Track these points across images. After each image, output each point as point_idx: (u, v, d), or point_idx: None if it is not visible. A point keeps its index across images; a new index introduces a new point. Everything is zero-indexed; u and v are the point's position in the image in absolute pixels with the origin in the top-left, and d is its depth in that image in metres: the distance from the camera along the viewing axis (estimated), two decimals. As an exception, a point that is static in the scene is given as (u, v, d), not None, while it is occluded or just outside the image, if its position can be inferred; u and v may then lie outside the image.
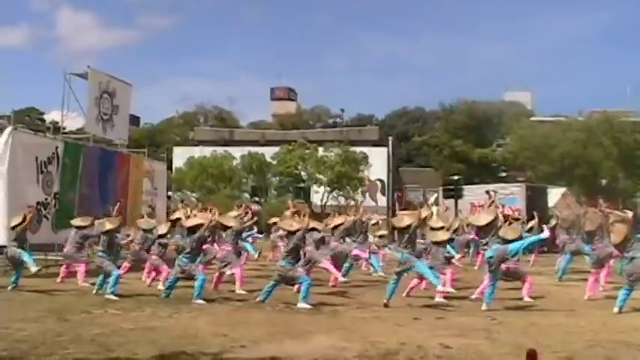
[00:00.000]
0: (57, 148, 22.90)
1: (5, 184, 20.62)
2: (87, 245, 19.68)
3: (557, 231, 23.25)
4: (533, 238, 15.64)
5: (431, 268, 15.82)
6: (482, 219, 15.82)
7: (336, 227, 19.33)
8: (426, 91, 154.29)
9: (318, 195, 57.74)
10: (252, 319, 13.20)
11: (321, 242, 18.43)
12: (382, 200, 66.76)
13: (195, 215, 17.96)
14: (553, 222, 23.95)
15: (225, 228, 18.52)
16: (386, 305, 15.00)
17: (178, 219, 18.78)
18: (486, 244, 15.51)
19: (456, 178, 38.84)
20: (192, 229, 16.16)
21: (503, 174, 60.78)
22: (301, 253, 15.75)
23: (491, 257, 14.88)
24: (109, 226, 16.79)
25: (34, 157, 21.85)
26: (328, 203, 56.15)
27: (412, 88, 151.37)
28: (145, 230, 19.50)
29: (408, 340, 10.98)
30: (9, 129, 21.17)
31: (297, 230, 15.66)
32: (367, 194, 61.41)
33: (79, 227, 19.19)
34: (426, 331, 11.96)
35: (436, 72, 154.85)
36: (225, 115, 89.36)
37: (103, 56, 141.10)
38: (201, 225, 16.31)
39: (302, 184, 59.56)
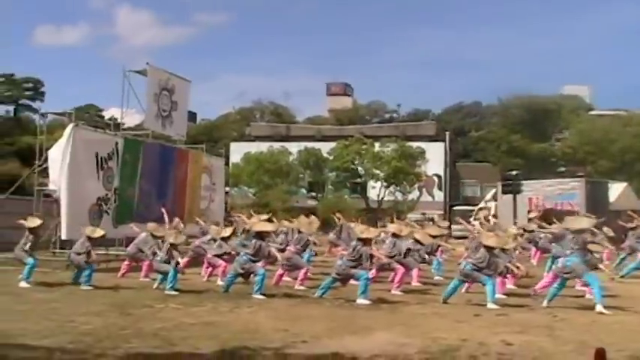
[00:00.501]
0: (117, 144, 23.20)
1: (67, 179, 20.91)
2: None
3: (628, 233, 23.07)
4: (600, 291, 15.01)
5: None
6: (578, 223, 15.44)
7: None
8: (482, 86, 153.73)
9: (375, 190, 57.62)
10: (312, 314, 13.23)
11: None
12: (439, 195, 66.51)
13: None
14: (634, 224, 23.42)
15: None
16: (445, 301, 14.96)
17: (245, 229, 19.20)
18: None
19: (514, 173, 38.34)
20: (260, 235, 16.38)
21: (562, 169, 59.90)
22: (363, 257, 15.64)
23: (567, 266, 14.64)
24: (172, 240, 16.90)
25: (94, 153, 22.15)
26: (385, 198, 56.06)
27: (468, 82, 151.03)
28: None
29: (468, 336, 10.92)
30: (70, 126, 21.52)
31: (367, 239, 15.79)
32: (424, 189, 61.11)
33: (154, 236, 19.24)
34: (487, 328, 11.88)
35: (493, 66, 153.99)
36: (282, 111, 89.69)
37: (159, 53, 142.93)
38: (269, 233, 16.64)
39: (358, 180, 59.48)
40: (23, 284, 16.61)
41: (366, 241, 15.73)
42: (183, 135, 28.44)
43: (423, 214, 52.40)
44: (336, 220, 26.31)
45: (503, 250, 15.81)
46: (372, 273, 16.58)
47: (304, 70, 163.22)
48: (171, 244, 16.62)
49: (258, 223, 17.93)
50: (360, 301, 14.80)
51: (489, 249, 15.01)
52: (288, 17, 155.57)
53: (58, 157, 21.12)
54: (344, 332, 11.27)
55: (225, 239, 19.05)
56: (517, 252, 19.20)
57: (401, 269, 17.44)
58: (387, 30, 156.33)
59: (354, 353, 9.55)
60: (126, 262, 19.85)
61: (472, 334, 11.12)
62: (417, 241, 18.70)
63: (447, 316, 13.25)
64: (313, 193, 60.74)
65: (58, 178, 21.04)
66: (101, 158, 22.37)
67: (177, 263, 16.50)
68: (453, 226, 39.35)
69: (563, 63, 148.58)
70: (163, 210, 20.81)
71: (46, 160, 22.05)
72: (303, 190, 60.90)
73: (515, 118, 62.87)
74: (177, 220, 20.85)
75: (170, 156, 26.66)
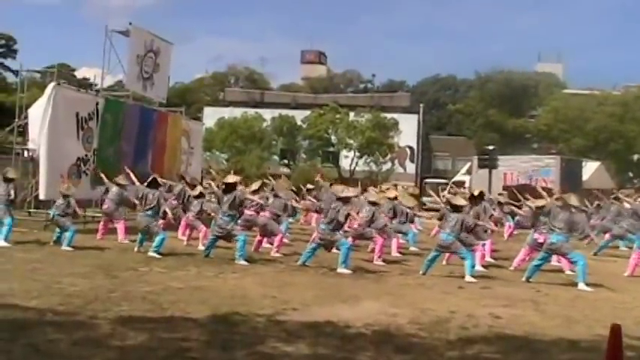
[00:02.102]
0: (97, 104, 22.81)
1: (46, 139, 20.59)
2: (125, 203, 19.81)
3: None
4: (584, 269, 15.02)
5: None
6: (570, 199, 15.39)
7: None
8: (457, 59, 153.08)
9: (347, 160, 57.53)
10: (298, 281, 13.25)
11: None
12: (411, 167, 66.60)
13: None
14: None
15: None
16: (424, 273, 15.00)
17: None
18: (545, 224, 15.56)
19: (491, 148, 38.45)
20: (230, 187, 16.33)
21: (535, 145, 60.04)
22: (342, 220, 15.65)
23: (553, 243, 14.71)
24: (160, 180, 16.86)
25: (74, 113, 21.72)
26: (357, 169, 56.03)
27: (443, 55, 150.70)
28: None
29: (456, 308, 11.00)
30: (52, 85, 21.10)
31: (346, 198, 15.85)
32: (396, 161, 61.08)
33: (120, 185, 19.37)
34: (473, 300, 11.97)
35: (467, 40, 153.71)
36: (257, 77, 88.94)
37: (133, 14, 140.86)
38: (236, 184, 16.54)
39: (331, 149, 59.29)
40: (2, 243, 16.42)
41: (345, 200, 15.74)
42: (164, 98, 28.04)
43: (395, 185, 52.47)
44: (318, 180, 26.44)
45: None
46: (350, 241, 16.63)
47: (279, 36, 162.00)
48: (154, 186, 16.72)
49: (226, 176, 17.87)
50: (341, 270, 14.81)
51: (457, 209, 15.16)
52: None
53: (38, 115, 20.73)
54: (333, 300, 11.32)
55: (196, 197, 19.17)
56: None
57: (380, 239, 17.44)
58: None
59: (347, 322, 9.58)
60: (102, 224, 19.74)
61: (460, 307, 11.20)
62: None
63: (432, 287, 13.31)
64: (285, 161, 60.52)
65: (37, 137, 20.69)
66: (82, 118, 21.91)
67: (165, 213, 16.52)
68: (424, 198, 39.43)
69: (537, 40, 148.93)
70: (127, 169, 20.53)
71: (25, 118, 21.83)
72: (276, 157, 60.59)
73: (492, 93, 62.76)
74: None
75: (150, 118, 26.21)
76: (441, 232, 15.75)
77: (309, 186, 27.64)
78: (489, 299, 12.18)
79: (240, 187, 18.51)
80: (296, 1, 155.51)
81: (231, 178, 17.02)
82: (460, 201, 15.57)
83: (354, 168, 55.73)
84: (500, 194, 25.79)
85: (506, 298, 12.39)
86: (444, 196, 19.28)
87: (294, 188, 22.61)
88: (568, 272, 15.71)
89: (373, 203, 18.28)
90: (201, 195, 19.36)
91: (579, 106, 53.20)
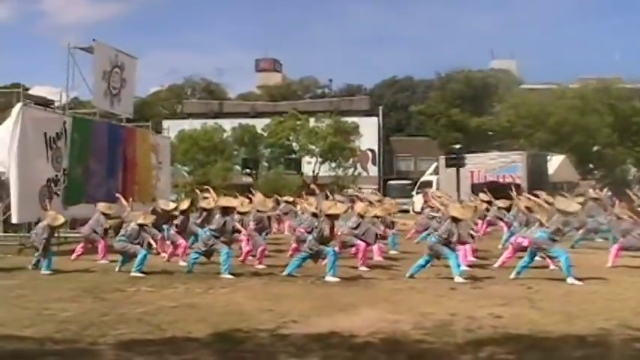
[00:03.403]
0: (65, 123, 22.42)
1: (16, 161, 20.16)
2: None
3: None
4: (567, 263, 15.08)
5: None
6: (569, 207, 15.35)
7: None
8: (410, 61, 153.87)
9: (310, 166, 57.46)
10: (290, 293, 13.05)
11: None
12: (373, 170, 66.80)
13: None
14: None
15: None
16: (411, 277, 14.91)
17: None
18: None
19: (457, 146, 38.52)
20: (225, 210, 16.26)
21: (497, 142, 60.18)
22: (328, 236, 15.49)
23: (537, 239, 14.78)
24: (142, 220, 16.47)
25: (43, 133, 21.32)
26: (321, 174, 55.96)
27: (398, 58, 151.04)
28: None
29: (455, 310, 10.95)
30: (19, 105, 20.67)
31: (334, 215, 15.58)
32: (358, 164, 61.17)
33: (104, 214, 19.02)
34: (469, 302, 11.91)
35: (421, 42, 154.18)
36: (214, 88, 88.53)
37: (90, 29, 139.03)
38: (234, 208, 16.60)
39: (293, 156, 59.30)
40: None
41: (333, 217, 15.57)
42: (130, 113, 27.62)
43: (359, 188, 52.45)
44: (313, 188, 26.57)
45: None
46: (336, 249, 16.47)
47: (233, 46, 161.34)
48: (140, 225, 16.24)
49: (223, 198, 17.76)
50: (329, 278, 14.62)
51: (455, 220, 15.03)
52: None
53: (6, 137, 20.29)
54: (330, 310, 11.16)
55: (184, 212, 18.94)
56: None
57: (362, 245, 17.35)
58: (317, 5, 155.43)
59: (351, 331, 9.45)
60: (81, 245, 19.34)
61: (458, 309, 11.13)
62: (376, 216, 18.66)
63: (424, 291, 13.20)
64: (248, 170, 60.29)
65: (7, 159, 20.26)
66: (50, 138, 21.47)
67: (150, 245, 16.19)
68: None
69: (488, 38, 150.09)
70: (118, 195, 20.30)
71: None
72: (238, 167, 60.32)
73: (454, 92, 62.80)
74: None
75: (119, 135, 25.77)
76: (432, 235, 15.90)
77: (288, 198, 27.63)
78: (484, 299, 12.12)
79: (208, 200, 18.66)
80: (247, 11, 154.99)
81: (235, 202, 17.21)
82: (457, 213, 15.35)
83: (317, 174, 55.64)
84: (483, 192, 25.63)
85: (501, 297, 12.34)
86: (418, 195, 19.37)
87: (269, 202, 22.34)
88: (552, 267, 15.72)
89: (360, 215, 18.12)
90: (185, 211, 19.15)
91: (540, 101, 53.46)
